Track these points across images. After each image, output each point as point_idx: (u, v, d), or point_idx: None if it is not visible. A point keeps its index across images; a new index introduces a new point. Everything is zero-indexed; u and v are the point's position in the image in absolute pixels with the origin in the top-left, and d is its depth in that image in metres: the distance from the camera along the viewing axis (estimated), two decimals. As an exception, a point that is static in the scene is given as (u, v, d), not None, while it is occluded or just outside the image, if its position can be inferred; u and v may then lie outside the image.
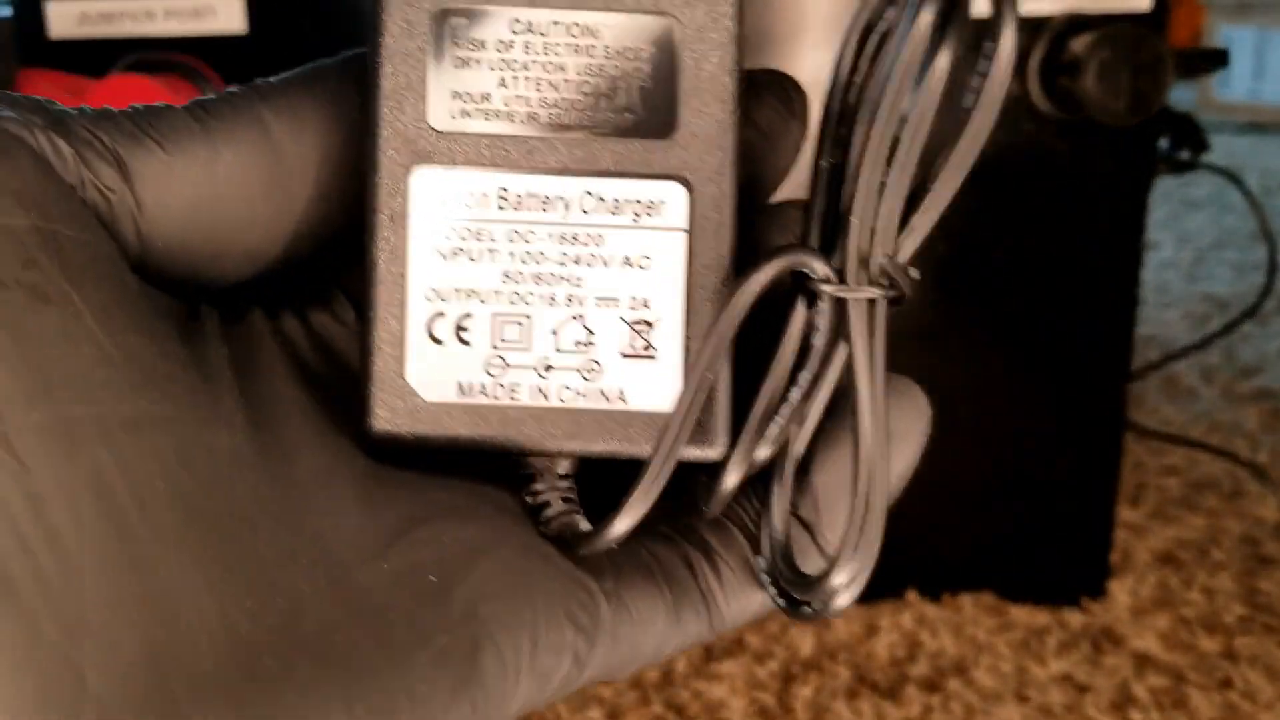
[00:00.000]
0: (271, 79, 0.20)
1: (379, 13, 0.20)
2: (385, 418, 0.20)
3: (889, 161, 0.20)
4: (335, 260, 0.21)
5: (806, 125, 0.23)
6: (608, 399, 0.21)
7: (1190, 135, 0.69)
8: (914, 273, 0.20)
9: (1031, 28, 0.51)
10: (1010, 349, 0.58)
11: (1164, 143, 0.69)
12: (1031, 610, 0.61)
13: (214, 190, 0.19)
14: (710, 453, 0.21)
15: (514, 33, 0.20)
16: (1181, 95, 1.40)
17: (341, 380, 0.21)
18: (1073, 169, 0.54)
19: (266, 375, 0.20)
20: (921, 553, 0.60)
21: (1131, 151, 0.55)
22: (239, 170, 0.19)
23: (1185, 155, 0.70)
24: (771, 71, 0.23)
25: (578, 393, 0.20)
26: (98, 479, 0.16)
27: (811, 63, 0.52)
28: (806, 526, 0.22)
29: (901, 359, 0.21)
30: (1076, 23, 0.51)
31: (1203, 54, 0.67)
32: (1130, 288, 0.57)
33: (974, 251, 0.55)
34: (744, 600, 0.21)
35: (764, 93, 0.22)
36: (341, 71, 0.20)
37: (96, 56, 0.48)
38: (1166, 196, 1.22)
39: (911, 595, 0.62)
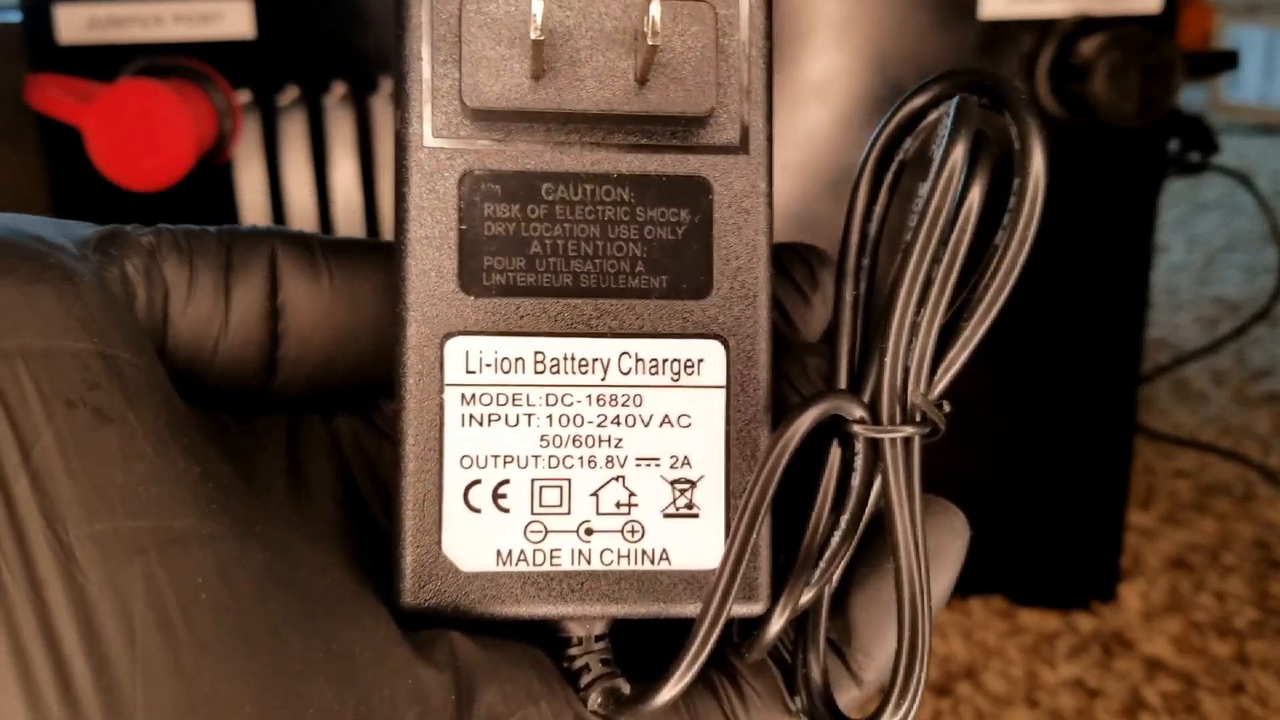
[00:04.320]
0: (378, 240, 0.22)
1: (404, 176, 0.20)
2: (420, 591, 0.20)
3: (921, 301, 0.19)
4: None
5: (831, 295, 0.22)
6: (650, 559, 0.20)
7: (1200, 137, 0.69)
8: (947, 406, 0.20)
9: (1040, 30, 0.51)
10: (1020, 352, 0.57)
11: (1174, 145, 0.69)
12: (1041, 614, 0.61)
13: (359, 319, 0.21)
14: (754, 608, 0.20)
15: (546, 196, 0.20)
16: (1191, 97, 1.39)
17: (383, 482, 0.21)
18: (1082, 172, 0.54)
19: (314, 484, 0.20)
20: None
21: (1141, 154, 0.54)
22: (373, 303, 0.21)
23: (1195, 157, 0.69)
24: (796, 246, 0.23)
25: (619, 554, 0.20)
26: (150, 588, 0.16)
27: (819, 66, 0.52)
28: (837, 651, 0.21)
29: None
30: (1085, 24, 0.51)
31: (1213, 55, 0.66)
32: (1140, 291, 0.57)
33: (983, 255, 0.55)
34: None
35: (789, 266, 0.22)
36: None
37: (105, 61, 0.48)
38: (1176, 199, 1.22)
39: (921, 599, 0.61)
